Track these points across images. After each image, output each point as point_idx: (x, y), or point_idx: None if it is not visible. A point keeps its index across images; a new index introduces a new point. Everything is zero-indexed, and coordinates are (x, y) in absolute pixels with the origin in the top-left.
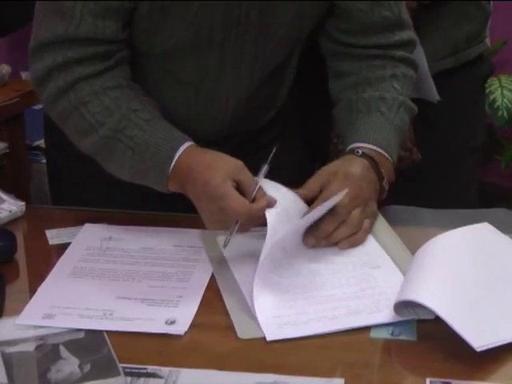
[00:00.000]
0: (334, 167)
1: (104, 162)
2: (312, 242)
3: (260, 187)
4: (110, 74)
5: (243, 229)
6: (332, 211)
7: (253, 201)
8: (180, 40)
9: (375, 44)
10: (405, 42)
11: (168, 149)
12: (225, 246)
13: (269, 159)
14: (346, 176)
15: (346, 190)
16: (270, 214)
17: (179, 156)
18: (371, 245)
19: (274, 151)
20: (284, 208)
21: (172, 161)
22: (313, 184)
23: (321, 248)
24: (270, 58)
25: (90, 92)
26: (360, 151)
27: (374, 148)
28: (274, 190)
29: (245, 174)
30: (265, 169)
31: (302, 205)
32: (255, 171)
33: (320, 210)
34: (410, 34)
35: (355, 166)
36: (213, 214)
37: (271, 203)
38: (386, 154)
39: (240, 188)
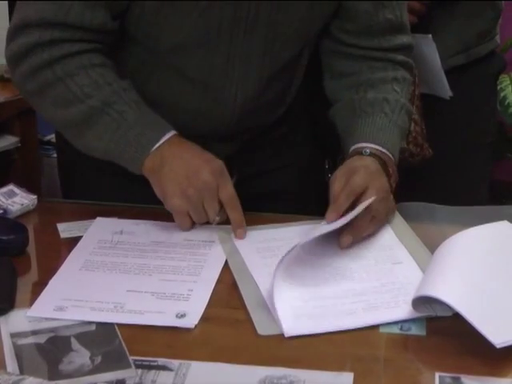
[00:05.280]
0: (349, 164)
1: (77, 135)
2: (349, 240)
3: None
4: (96, 53)
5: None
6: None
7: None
8: (188, 35)
9: (377, 47)
10: (405, 45)
11: (157, 130)
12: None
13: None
14: (366, 169)
15: (374, 197)
16: None
17: (168, 139)
18: (393, 241)
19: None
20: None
21: (158, 141)
22: (338, 188)
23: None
24: (279, 55)
25: (79, 66)
26: (368, 151)
27: (380, 148)
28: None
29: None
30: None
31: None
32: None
33: (352, 214)
34: (408, 38)
35: (369, 162)
36: (191, 185)
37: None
38: (389, 155)
39: None
